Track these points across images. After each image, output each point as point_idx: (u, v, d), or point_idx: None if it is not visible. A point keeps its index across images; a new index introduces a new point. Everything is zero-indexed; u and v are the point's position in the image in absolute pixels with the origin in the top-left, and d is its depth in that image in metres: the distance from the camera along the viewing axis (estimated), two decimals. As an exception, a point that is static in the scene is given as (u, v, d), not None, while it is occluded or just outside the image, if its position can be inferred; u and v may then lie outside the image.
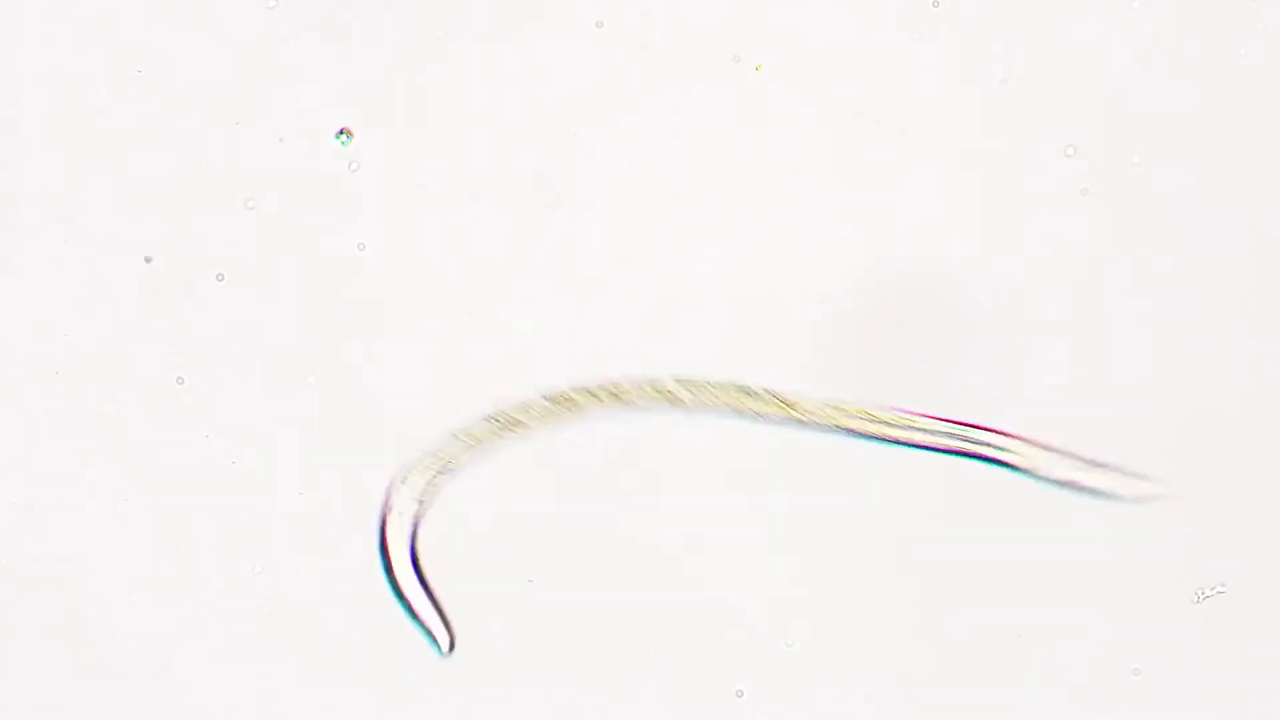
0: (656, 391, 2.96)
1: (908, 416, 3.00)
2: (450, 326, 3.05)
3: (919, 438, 3.01)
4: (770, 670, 3.08)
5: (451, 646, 3.00)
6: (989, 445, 3.01)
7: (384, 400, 3.04)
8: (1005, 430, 3.02)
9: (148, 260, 2.94)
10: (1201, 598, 3.06)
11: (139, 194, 3.03)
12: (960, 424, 3.00)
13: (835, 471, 3.07)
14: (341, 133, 3.02)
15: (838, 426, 3.00)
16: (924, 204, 3.07)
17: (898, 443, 3.01)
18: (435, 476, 2.94)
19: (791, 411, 2.97)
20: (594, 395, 2.93)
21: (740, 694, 3.08)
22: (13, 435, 3.02)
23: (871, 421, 3.00)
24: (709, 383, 3.00)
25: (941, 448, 3.01)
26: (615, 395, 2.91)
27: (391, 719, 3.06)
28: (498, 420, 2.92)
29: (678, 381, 2.97)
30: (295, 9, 3.03)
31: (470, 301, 3.05)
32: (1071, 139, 3.06)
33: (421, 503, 2.95)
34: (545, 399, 2.94)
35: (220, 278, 3.02)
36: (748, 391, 3.00)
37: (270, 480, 3.03)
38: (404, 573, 2.99)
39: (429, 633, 2.99)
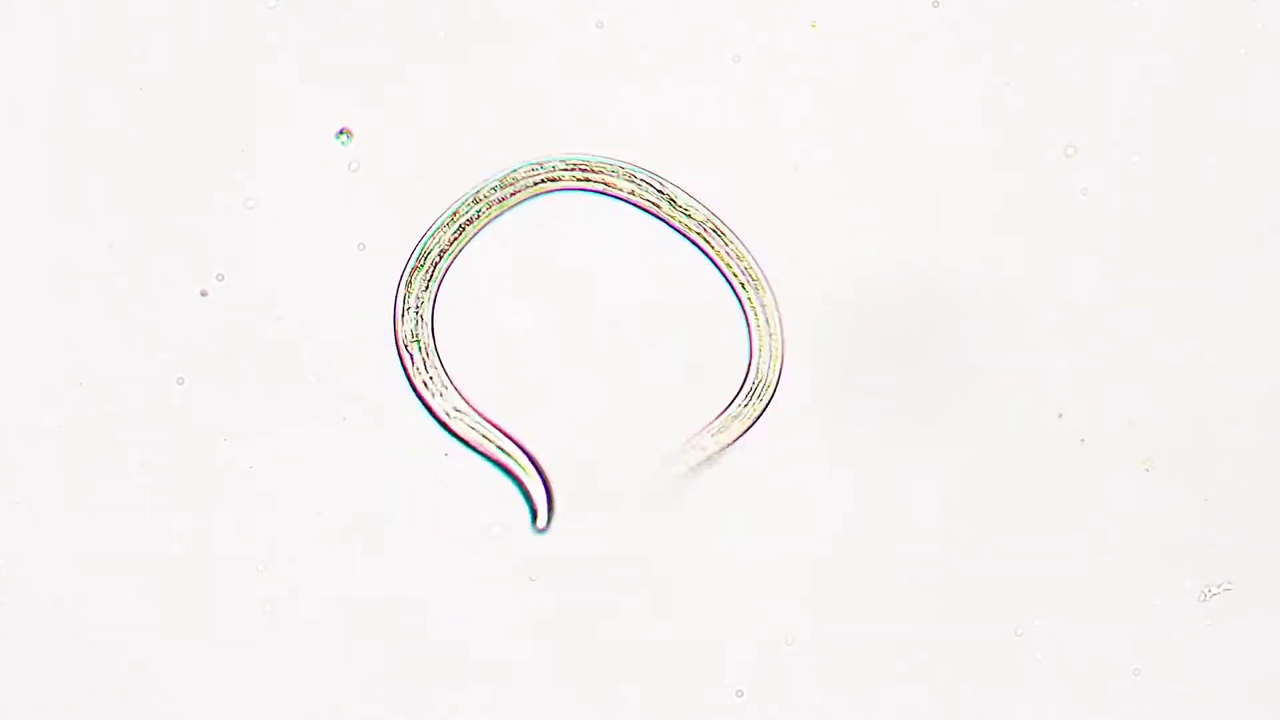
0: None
1: None
2: (450, 326, 3.05)
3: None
4: (770, 670, 3.08)
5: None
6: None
7: (384, 400, 3.04)
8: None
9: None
10: (1208, 595, 3.06)
11: (139, 194, 3.03)
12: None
13: (835, 470, 3.07)
14: (341, 133, 3.02)
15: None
16: (924, 204, 3.07)
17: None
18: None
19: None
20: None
21: (740, 694, 3.08)
22: (12, 435, 3.02)
23: None
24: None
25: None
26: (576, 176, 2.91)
27: (393, 719, 3.07)
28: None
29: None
30: (295, 9, 3.03)
31: (469, 302, 3.05)
32: (1071, 139, 3.06)
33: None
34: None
35: (220, 278, 3.02)
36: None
37: (270, 479, 3.03)
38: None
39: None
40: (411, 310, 2.95)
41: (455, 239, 2.95)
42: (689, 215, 2.96)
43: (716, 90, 3.06)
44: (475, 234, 2.96)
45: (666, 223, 2.99)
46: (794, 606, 3.07)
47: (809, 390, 3.07)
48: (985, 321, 3.06)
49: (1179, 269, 3.08)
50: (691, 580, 3.07)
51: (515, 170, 2.95)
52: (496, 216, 2.98)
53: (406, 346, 2.96)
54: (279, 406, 3.02)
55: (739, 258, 2.97)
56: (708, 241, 3.00)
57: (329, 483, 3.04)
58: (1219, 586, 3.07)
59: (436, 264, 2.98)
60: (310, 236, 3.03)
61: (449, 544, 3.06)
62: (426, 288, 2.97)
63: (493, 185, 2.92)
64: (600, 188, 2.96)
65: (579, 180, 2.97)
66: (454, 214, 2.94)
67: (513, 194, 2.95)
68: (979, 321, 3.06)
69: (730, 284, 3.03)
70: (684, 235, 3.00)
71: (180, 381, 3.02)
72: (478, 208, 2.93)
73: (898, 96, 3.06)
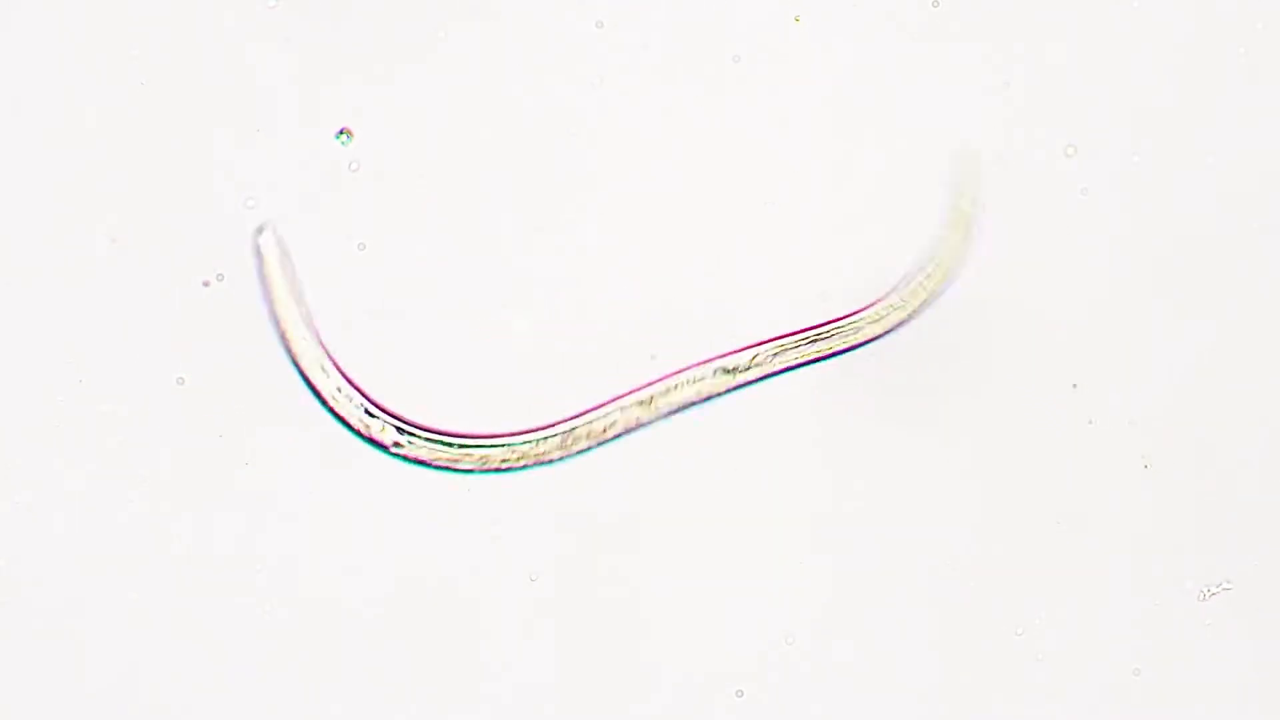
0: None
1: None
2: (450, 327, 3.05)
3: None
4: (770, 670, 3.08)
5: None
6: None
7: (383, 400, 3.04)
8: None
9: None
10: (1207, 595, 3.06)
11: (139, 194, 3.03)
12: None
13: (835, 471, 3.07)
14: (341, 133, 3.02)
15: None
16: (923, 204, 3.07)
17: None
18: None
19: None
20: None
21: (740, 694, 3.08)
22: (12, 434, 3.02)
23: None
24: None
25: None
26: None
27: (393, 717, 3.07)
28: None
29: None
30: (295, 8, 3.03)
31: (469, 302, 3.05)
32: (1071, 139, 3.06)
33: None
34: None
35: (220, 277, 3.02)
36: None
37: (270, 479, 3.03)
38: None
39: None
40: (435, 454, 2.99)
41: (511, 456, 2.98)
42: (755, 360, 2.98)
43: (716, 90, 3.06)
44: (544, 463, 3.00)
45: (744, 385, 3.01)
46: (794, 606, 3.07)
47: (810, 388, 3.06)
48: (982, 322, 3.06)
49: (1179, 269, 3.08)
50: (691, 580, 3.07)
51: (576, 427, 2.99)
52: (574, 455, 3.01)
53: (397, 446, 2.99)
54: (279, 406, 3.03)
55: (818, 338, 2.99)
56: (779, 358, 3.01)
57: (329, 482, 3.04)
58: (1219, 586, 3.07)
59: (492, 467, 3.01)
60: (310, 236, 3.03)
61: (448, 543, 3.06)
62: (472, 468, 3.00)
63: (574, 428, 2.97)
64: (669, 408, 2.99)
65: (648, 416, 3.01)
66: (533, 443, 2.98)
67: (584, 446, 3.00)
68: (976, 322, 3.06)
69: (831, 355, 3.03)
70: (766, 377, 3.01)
71: (180, 381, 3.02)
72: (561, 441, 2.99)
73: (897, 96, 3.06)
